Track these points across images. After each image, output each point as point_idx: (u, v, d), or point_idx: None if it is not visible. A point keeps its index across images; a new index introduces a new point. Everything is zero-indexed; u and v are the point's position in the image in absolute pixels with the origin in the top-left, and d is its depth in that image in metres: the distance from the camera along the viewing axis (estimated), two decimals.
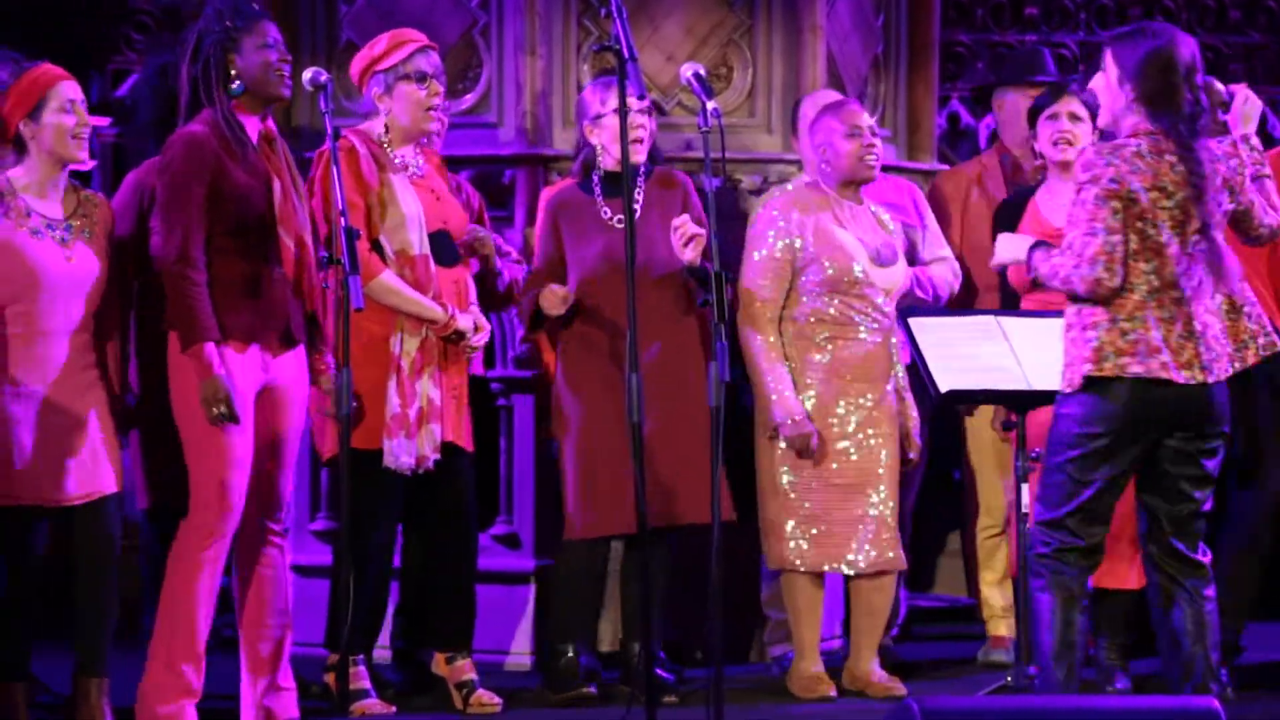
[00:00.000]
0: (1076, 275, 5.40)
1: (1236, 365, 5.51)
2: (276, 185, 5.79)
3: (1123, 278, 5.42)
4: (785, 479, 6.48)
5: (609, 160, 6.46)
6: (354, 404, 6.01)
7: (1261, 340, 5.56)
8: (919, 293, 6.79)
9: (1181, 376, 5.41)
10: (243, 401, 5.74)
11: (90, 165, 6.14)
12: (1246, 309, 5.55)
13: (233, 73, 5.77)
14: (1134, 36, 5.52)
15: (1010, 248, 5.71)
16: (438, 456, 6.20)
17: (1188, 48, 5.47)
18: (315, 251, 5.85)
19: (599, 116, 6.44)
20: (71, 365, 5.80)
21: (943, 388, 5.96)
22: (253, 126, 5.83)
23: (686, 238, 6.27)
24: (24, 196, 5.79)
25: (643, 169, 6.51)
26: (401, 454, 6.15)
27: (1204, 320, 5.46)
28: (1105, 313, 5.43)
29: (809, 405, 6.46)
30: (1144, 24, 5.73)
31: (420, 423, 6.17)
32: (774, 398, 6.41)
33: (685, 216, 6.32)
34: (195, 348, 5.68)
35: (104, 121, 8.40)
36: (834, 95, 6.83)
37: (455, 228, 6.32)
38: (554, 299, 6.35)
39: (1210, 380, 5.45)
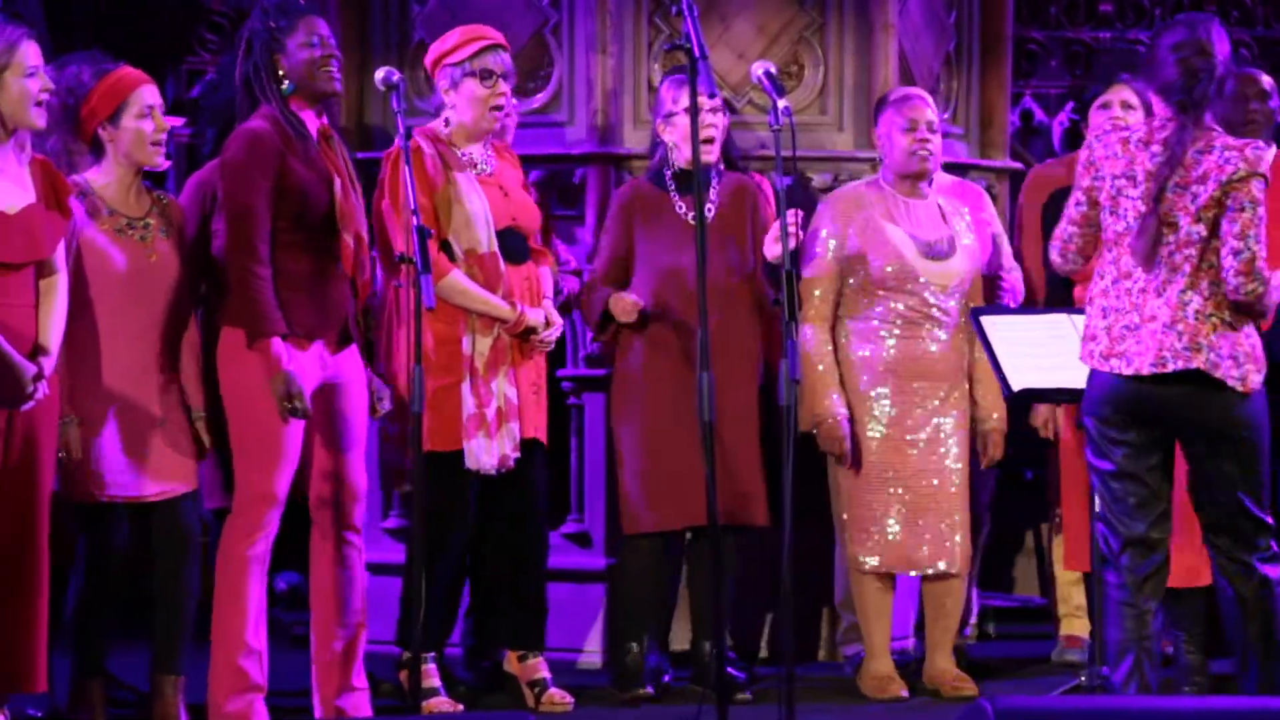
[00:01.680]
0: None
1: (1173, 365, 5.33)
2: (337, 182, 5.83)
3: (1076, 264, 5.48)
4: (854, 480, 6.46)
5: (680, 158, 6.47)
6: (390, 405, 6.03)
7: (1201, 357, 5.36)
8: (1008, 299, 6.76)
9: (1107, 366, 5.39)
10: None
11: (165, 166, 6.18)
12: (1215, 315, 5.37)
13: (281, 73, 5.82)
14: (1161, 30, 5.53)
15: None
16: (518, 455, 6.20)
17: (1212, 35, 5.40)
18: (370, 251, 5.89)
19: (671, 114, 6.45)
20: (150, 364, 5.84)
21: (1015, 386, 5.93)
22: (311, 123, 5.87)
23: (777, 236, 6.29)
24: (102, 196, 5.83)
25: (715, 169, 6.51)
26: (483, 454, 6.15)
27: (1154, 312, 5.37)
28: (1089, 299, 5.49)
29: (878, 407, 6.43)
30: (1179, 16, 5.70)
31: (500, 422, 6.17)
32: (815, 397, 6.40)
33: (798, 213, 6.25)
34: (262, 342, 5.71)
35: (178, 122, 8.45)
36: (915, 90, 6.80)
37: (525, 224, 6.33)
38: (626, 306, 6.36)
39: (1128, 373, 5.36)
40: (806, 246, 6.48)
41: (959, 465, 6.49)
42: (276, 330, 5.71)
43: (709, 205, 6.44)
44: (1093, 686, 6.00)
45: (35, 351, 5.50)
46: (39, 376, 5.44)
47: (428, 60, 6.33)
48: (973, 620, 7.14)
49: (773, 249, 6.34)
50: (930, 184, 6.58)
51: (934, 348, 6.47)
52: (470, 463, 6.15)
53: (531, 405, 6.27)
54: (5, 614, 5.52)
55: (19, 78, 5.46)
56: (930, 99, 6.69)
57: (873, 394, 6.45)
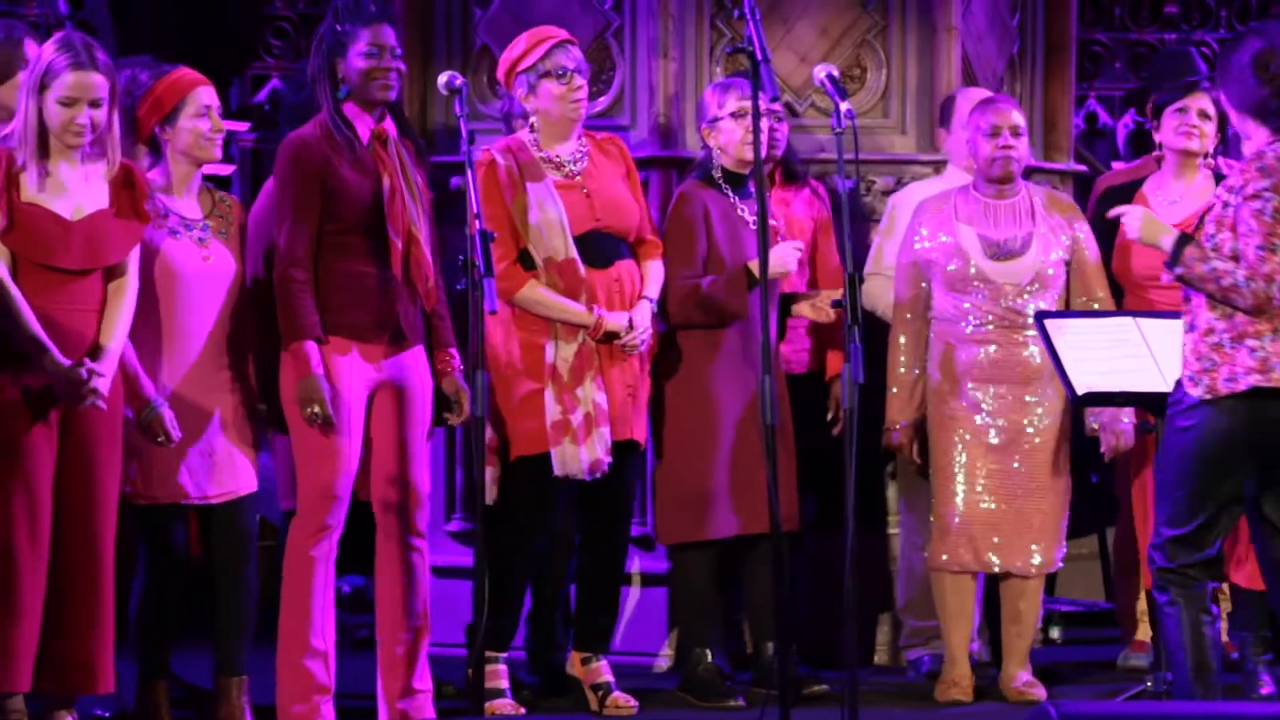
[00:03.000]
0: (1247, 288, 5.27)
1: None
2: (385, 183, 5.84)
3: None
4: (939, 480, 6.44)
5: (726, 161, 6.45)
6: (471, 409, 6.03)
7: None
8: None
9: None
10: (351, 399, 5.79)
11: (229, 170, 6.22)
12: None
13: (339, 76, 5.85)
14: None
15: (1153, 230, 5.51)
16: (610, 459, 6.20)
17: None
18: (431, 251, 5.91)
19: (715, 119, 6.44)
20: (209, 365, 5.87)
21: (1079, 390, 5.90)
22: (365, 125, 5.88)
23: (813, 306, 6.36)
24: (161, 197, 5.87)
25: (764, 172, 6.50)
26: (570, 460, 6.15)
27: None
28: (1267, 324, 5.30)
29: (969, 408, 6.40)
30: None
31: (588, 428, 6.17)
32: (887, 401, 6.42)
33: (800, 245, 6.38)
34: (295, 345, 5.75)
35: (242, 126, 8.49)
36: (985, 93, 6.78)
37: (616, 225, 6.27)
38: (785, 252, 6.30)
39: None
40: (899, 249, 6.51)
41: (1046, 468, 6.46)
42: (309, 334, 5.74)
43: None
44: (1159, 692, 5.96)
45: (94, 351, 5.54)
46: (79, 366, 5.46)
47: (500, 72, 6.34)
48: (1038, 624, 7.10)
49: (813, 315, 6.42)
50: (1019, 185, 6.53)
51: (1026, 349, 6.44)
52: (558, 469, 6.15)
53: (627, 408, 6.25)
54: (73, 616, 5.57)
55: (50, 99, 5.46)
56: (1016, 103, 6.67)
57: (964, 395, 6.43)
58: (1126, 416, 6.48)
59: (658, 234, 6.40)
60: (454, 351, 6.03)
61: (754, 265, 6.29)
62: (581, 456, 6.15)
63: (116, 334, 5.58)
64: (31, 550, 5.48)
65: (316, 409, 5.73)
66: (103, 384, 5.49)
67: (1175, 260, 5.37)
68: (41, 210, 5.50)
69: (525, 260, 6.19)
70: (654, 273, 6.33)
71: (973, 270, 6.42)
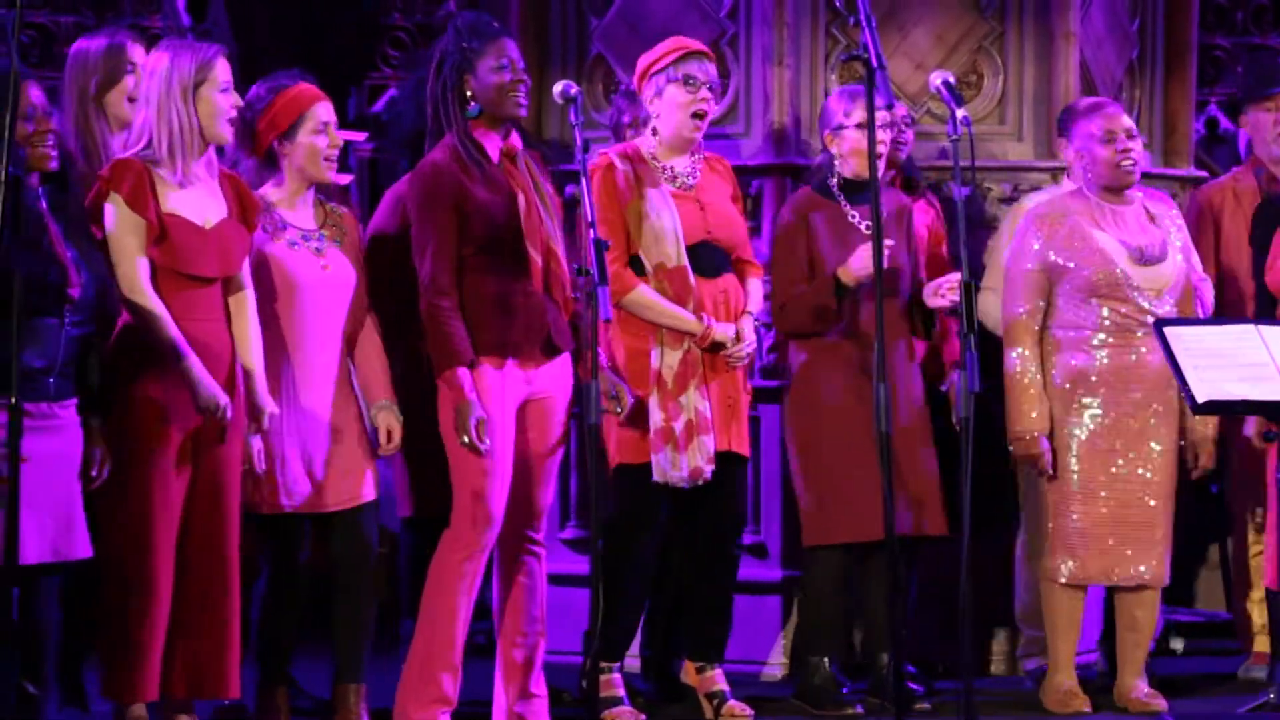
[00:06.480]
0: None
1: None
2: (520, 200, 5.85)
3: None
4: (1057, 489, 6.39)
5: (846, 170, 6.43)
6: (632, 400, 6.03)
7: None
8: (1199, 310, 6.67)
9: None
10: (503, 417, 5.80)
11: (347, 179, 6.25)
12: None
13: (469, 94, 5.85)
14: None
15: None
16: (713, 468, 6.21)
17: None
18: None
19: (840, 127, 6.42)
20: (329, 375, 5.91)
21: (1200, 398, 5.84)
22: (493, 144, 5.88)
23: (942, 293, 6.28)
24: (278, 210, 5.92)
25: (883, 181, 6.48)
26: (669, 468, 6.15)
27: None
28: None
29: (1087, 417, 6.35)
30: None
31: (689, 435, 6.18)
32: (1015, 412, 6.36)
33: (955, 277, 6.24)
34: (448, 373, 5.75)
35: (360, 136, 8.56)
36: (1105, 99, 6.73)
37: (724, 238, 6.30)
38: (863, 258, 6.24)
39: None
40: (1013, 258, 6.45)
41: (1164, 477, 6.40)
42: (461, 361, 5.74)
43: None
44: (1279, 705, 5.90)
45: (231, 371, 5.61)
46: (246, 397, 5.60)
47: (635, 75, 6.35)
48: (1156, 635, 7.04)
49: (934, 301, 6.33)
50: (1134, 190, 6.50)
51: (1147, 356, 6.38)
52: (657, 475, 6.15)
53: (727, 419, 6.26)
54: (202, 622, 5.64)
55: (214, 92, 5.59)
56: (1123, 106, 6.62)
57: (1082, 403, 6.38)
58: (1212, 429, 6.42)
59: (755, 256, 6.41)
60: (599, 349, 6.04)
61: (841, 272, 6.28)
62: (682, 464, 6.15)
63: (254, 350, 5.68)
64: (164, 559, 5.55)
65: (473, 434, 5.72)
66: (270, 407, 5.65)
67: None
68: (181, 220, 5.58)
69: (635, 266, 6.21)
70: (756, 289, 6.35)
71: (1120, 277, 6.35)
